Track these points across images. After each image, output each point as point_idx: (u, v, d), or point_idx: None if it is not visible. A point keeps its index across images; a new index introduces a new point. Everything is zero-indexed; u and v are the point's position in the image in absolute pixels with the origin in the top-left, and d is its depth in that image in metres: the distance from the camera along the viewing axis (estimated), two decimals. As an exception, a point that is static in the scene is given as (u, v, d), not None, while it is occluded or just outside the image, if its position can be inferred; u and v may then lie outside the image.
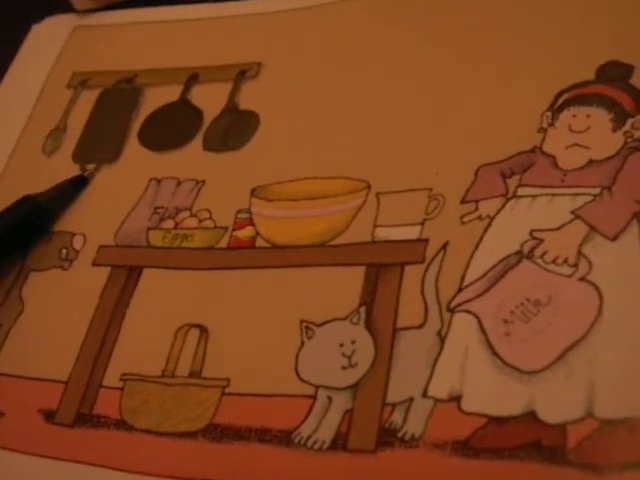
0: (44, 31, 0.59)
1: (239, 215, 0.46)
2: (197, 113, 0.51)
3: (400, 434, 0.37)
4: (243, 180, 0.47)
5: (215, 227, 0.46)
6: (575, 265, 0.38)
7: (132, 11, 0.58)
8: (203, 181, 0.48)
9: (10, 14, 0.61)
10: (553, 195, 0.40)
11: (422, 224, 0.42)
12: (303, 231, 0.44)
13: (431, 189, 0.42)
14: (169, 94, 0.52)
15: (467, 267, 0.40)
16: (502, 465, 0.35)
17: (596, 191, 0.39)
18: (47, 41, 0.58)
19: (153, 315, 0.44)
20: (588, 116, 0.42)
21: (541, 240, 0.39)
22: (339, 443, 0.38)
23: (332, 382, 0.39)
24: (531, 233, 0.39)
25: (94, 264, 0.47)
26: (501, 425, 0.36)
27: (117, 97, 0.54)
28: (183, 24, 0.55)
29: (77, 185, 0.51)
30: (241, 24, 0.54)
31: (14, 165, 0.53)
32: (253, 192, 0.46)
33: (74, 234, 0.49)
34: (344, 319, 0.40)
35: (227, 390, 0.41)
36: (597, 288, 0.37)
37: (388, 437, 0.37)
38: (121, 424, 0.42)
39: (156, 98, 0.53)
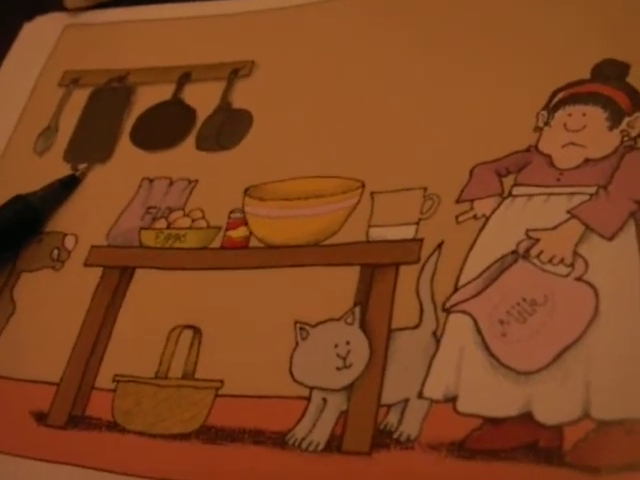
0: (35, 30, 0.58)
1: (232, 215, 0.45)
2: (190, 112, 0.51)
3: (395, 435, 0.37)
4: (236, 179, 0.46)
5: (208, 227, 0.46)
6: (571, 265, 0.38)
7: (124, 9, 0.57)
8: (196, 180, 0.48)
9: (0, 12, 0.60)
10: (549, 194, 0.40)
11: (417, 224, 0.41)
12: (297, 231, 0.44)
13: (426, 188, 0.42)
14: (161, 93, 0.52)
15: (462, 267, 0.39)
16: (498, 466, 0.34)
17: (592, 190, 0.39)
18: (38, 40, 0.58)
19: (146, 316, 0.44)
20: (584, 115, 0.41)
21: (537, 240, 0.39)
22: (334, 445, 0.37)
23: (327, 383, 0.39)
24: (527, 233, 0.39)
25: (86, 264, 0.47)
26: (497, 426, 0.35)
27: (109, 96, 0.53)
28: (175, 22, 0.55)
29: (68, 185, 0.50)
30: (234, 23, 0.53)
31: (5, 165, 0.53)
32: (246, 191, 0.46)
33: (65, 234, 0.48)
34: (339, 320, 0.40)
35: (221, 391, 0.40)
36: (593, 288, 0.37)
37: (383, 438, 0.37)
38: (113, 426, 0.41)
39: (148, 97, 0.52)
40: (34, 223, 0.49)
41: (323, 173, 0.45)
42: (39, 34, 0.58)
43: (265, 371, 0.40)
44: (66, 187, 0.50)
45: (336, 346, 0.39)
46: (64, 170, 0.51)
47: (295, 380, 0.39)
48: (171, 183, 0.48)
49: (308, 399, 0.39)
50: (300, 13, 0.52)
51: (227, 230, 0.45)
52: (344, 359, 0.39)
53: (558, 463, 0.34)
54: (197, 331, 0.42)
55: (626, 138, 0.40)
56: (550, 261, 0.38)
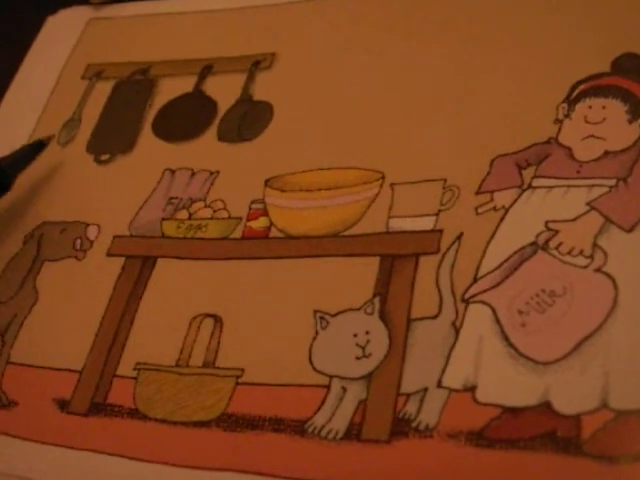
0: (59, 23, 0.59)
1: (253, 205, 0.46)
2: (211, 104, 0.51)
3: (414, 424, 0.37)
4: (257, 170, 0.47)
5: (229, 217, 0.46)
6: (591, 256, 0.38)
7: (146, 3, 0.58)
8: (217, 172, 0.48)
9: (25, 6, 0.61)
10: (569, 186, 0.40)
11: (437, 215, 0.42)
12: (317, 221, 0.44)
13: (446, 180, 0.42)
14: (183, 85, 0.52)
15: (482, 258, 0.39)
16: (517, 456, 0.35)
17: (612, 182, 0.39)
18: (62, 33, 0.58)
19: (167, 305, 0.44)
20: (604, 107, 0.41)
21: (556, 231, 0.39)
22: (353, 433, 0.38)
23: (346, 372, 0.39)
24: (546, 224, 0.39)
25: (108, 254, 0.47)
26: (516, 416, 0.35)
27: (131, 88, 0.54)
28: (197, 16, 0.55)
29: (36, 149, 0.51)
30: (255, 15, 0.54)
31: (29, 156, 0.53)
32: (267, 182, 0.46)
33: (88, 224, 0.49)
34: (358, 309, 0.40)
35: (241, 380, 0.41)
36: (612, 279, 0.37)
37: (402, 427, 0.37)
38: (135, 413, 0.42)
39: (170, 89, 0.53)
40: (4, 182, 0.50)
41: (343, 165, 0.45)
42: (63, 27, 0.58)
43: (285, 360, 0.40)
44: (34, 151, 0.51)
45: (355, 335, 0.40)
46: (87, 161, 0.51)
47: (315, 369, 0.40)
48: (193, 174, 0.48)
49: (328, 388, 0.39)
50: (321, 5, 0.52)
51: (248, 220, 0.45)
52: (363, 348, 0.39)
53: (576, 453, 0.34)
54: (218, 320, 0.43)
55: (646, 131, 0.40)
56: (569, 252, 0.38)
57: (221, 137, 0.49)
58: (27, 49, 0.58)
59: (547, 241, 0.39)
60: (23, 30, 0.59)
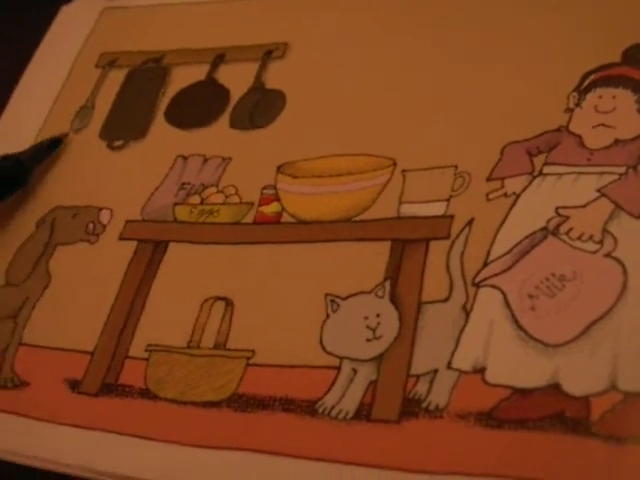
0: (73, 12, 0.59)
1: (265, 191, 0.46)
2: (224, 92, 0.51)
3: (424, 404, 0.37)
4: (269, 157, 0.47)
5: (241, 203, 0.46)
6: (600, 242, 0.38)
7: (160, -8, 0.58)
8: (230, 158, 0.48)
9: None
10: (579, 174, 0.40)
11: (448, 201, 0.42)
12: (328, 207, 0.44)
13: (457, 166, 0.43)
14: (196, 73, 0.53)
15: (492, 243, 0.40)
16: (526, 436, 0.35)
17: (622, 170, 0.40)
18: (76, 22, 0.59)
19: (179, 288, 0.45)
20: (614, 97, 0.42)
21: (567, 217, 0.39)
22: (363, 413, 0.38)
23: (357, 354, 0.39)
24: (557, 210, 0.40)
25: (121, 238, 0.48)
26: (525, 397, 0.36)
27: (144, 76, 0.54)
28: (210, 5, 0.56)
29: (54, 145, 0.52)
30: (268, 4, 0.54)
31: (42, 141, 0.54)
32: (279, 169, 0.46)
33: (101, 209, 0.49)
34: (369, 292, 0.41)
35: (252, 361, 0.41)
36: (622, 264, 0.37)
37: (412, 407, 0.37)
38: (146, 393, 0.42)
39: (183, 77, 0.53)
40: (23, 175, 0.51)
41: (355, 151, 0.46)
42: (77, 16, 0.59)
43: (296, 342, 0.41)
44: (52, 147, 0.52)
45: (366, 318, 0.40)
46: (100, 147, 0.52)
47: (325, 350, 0.40)
48: (205, 160, 0.49)
49: (338, 369, 0.39)
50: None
51: (260, 206, 0.46)
52: (374, 330, 0.40)
53: (585, 433, 0.34)
54: (229, 303, 0.43)
55: (656, 120, 0.41)
56: (579, 238, 0.39)
57: (233, 124, 0.50)
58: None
59: (557, 226, 0.39)
60: (37, 19, 0.60)
